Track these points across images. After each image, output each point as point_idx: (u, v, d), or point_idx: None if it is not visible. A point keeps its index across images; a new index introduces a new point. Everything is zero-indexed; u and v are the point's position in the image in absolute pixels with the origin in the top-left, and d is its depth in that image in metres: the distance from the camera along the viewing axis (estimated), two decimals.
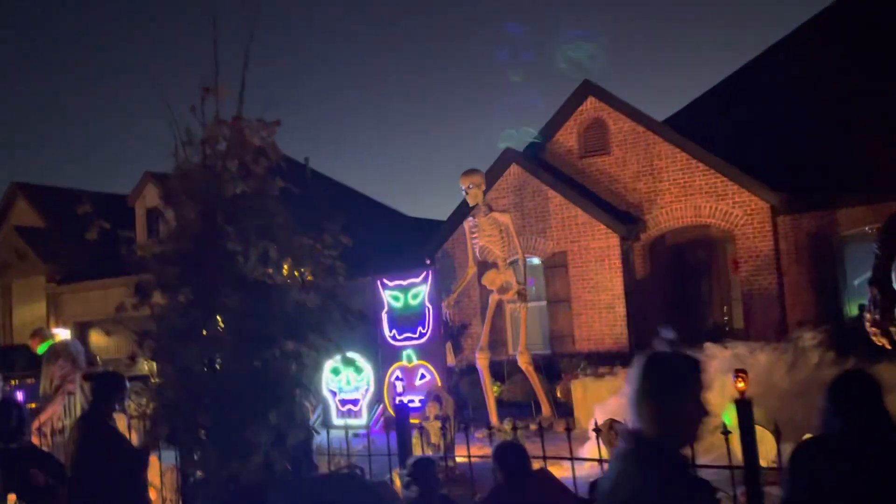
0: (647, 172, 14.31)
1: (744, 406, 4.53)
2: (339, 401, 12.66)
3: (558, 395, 12.84)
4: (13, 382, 15.63)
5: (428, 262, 15.47)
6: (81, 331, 20.51)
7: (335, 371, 12.07)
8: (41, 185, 24.15)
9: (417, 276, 13.01)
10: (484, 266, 12.22)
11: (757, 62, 16.83)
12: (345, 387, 12.47)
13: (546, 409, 11.40)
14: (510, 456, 4.47)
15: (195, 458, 3.44)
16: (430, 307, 12.75)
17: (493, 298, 11.85)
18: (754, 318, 13.23)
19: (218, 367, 3.42)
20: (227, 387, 3.30)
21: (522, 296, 11.10)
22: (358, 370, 12.96)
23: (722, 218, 13.59)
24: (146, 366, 17.77)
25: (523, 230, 14.05)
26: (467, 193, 11.24)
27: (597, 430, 5.53)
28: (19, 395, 10.41)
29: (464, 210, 15.23)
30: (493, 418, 11.42)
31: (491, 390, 11.55)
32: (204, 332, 3.37)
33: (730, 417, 8.62)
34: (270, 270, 3.61)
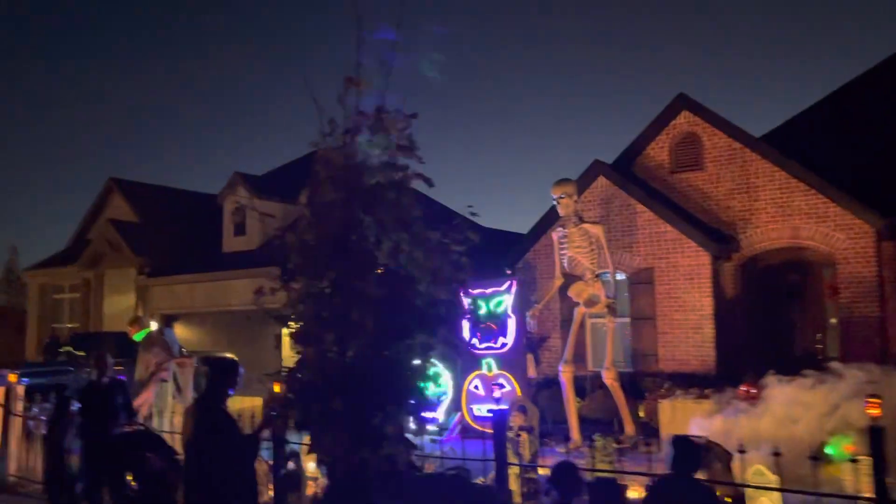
0: (743, 190, 13.86)
1: (876, 434, 4.27)
2: None
3: (641, 414, 12.52)
4: None
5: (509, 272, 15.37)
6: (167, 323, 21.18)
7: None
8: (135, 182, 25.16)
9: (501, 285, 12.93)
10: (569, 278, 12.05)
11: (861, 80, 16.14)
12: None
13: (630, 428, 11.12)
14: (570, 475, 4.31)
15: (325, 443, 3.43)
16: (514, 317, 12.66)
17: (580, 311, 11.66)
18: (852, 347, 12.59)
19: (352, 355, 3.42)
20: (363, 375, 3.29)
21: (612, 310, 10.88)
22: (437, 376, 12.90)
23: (822, 241, 13.03)
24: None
25: (609, 244, 13.78)
26: (559, 203, 11.11)
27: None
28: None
29: (548, 221, 15.08)
30: (575, 433, 11.21)
31: (574, 404, 11.35)
32: (344, 320, 3.37)
33: (835, 447, 8.13)
34: (403, 262, 3.60)
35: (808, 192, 13.15)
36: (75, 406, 6.94)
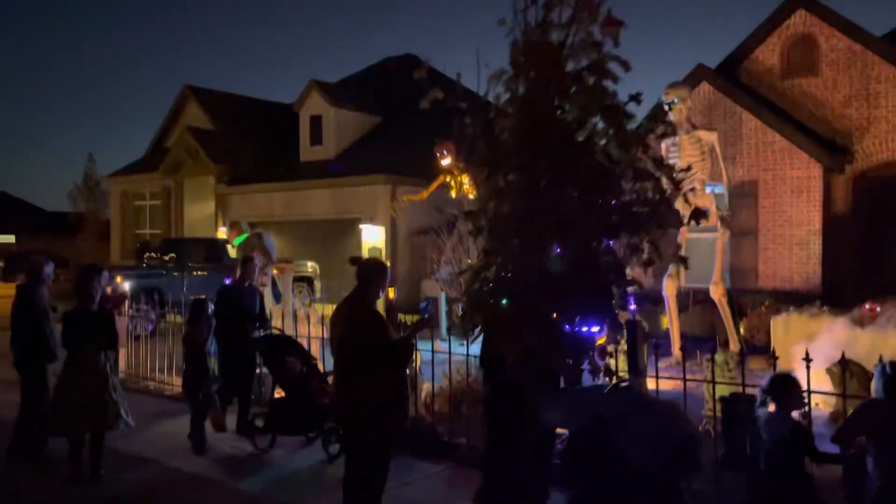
0: (862, 97, 12.84)
1: None
2: None
3: (742, 331, 12.09)
4: (195, 274, 16.49)
5: None
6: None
7: None
8: (211, 90, 25.02)
9: None
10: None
11: None
12: None
13: (734, 345, 10.73)
14: (792, 387, 4.01)
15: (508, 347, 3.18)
16: None
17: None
18: None
19: (553, 253, 3.11)
20: (567, 275, 2.99)
21: (726, 222, 10.32)
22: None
23: None
24: (310, 267, 18.36)
25: None
26: (671, 108, 10.42)
27: (807, 359, 5.11)
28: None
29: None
30: (676, 349, 10.89)
31: (677, 319, 10.98)
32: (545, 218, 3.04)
33: None
34: (605, 153, 3.23)
35: None
36: (211, 309, 6.90)
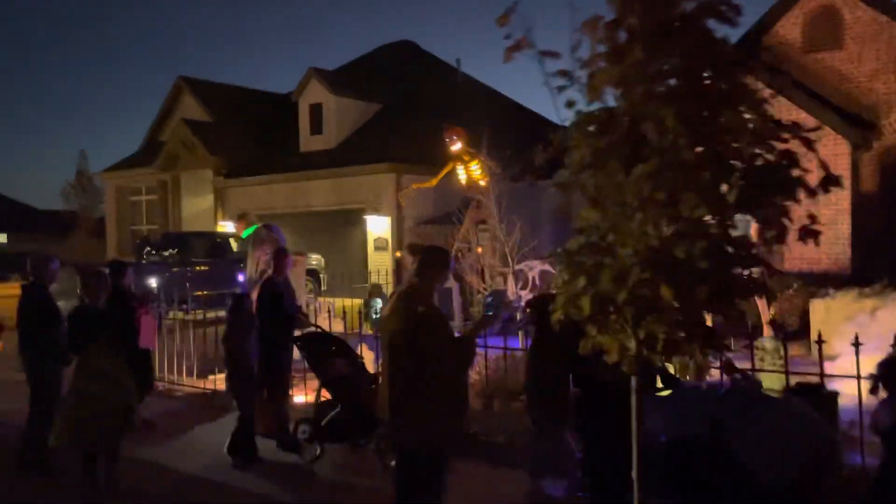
0: (888, 70, 12.39)
1: None
2: None
3: (772, 313, 11.67)
4: (197, 269, 15.97)
5: None
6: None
7: None
8: (206, 81, 24.40)
9: None
10: None
11: None
12: None
13: (767, 330, 10.30)
14: None
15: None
16: None
17: None
18: None
19: (671, 230, 2.63)
20: (679, 258, 2.52)
21: None
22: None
23: None
24: (314, 259, 17.85)
25: None
26: None
27: (856, 343, 5.12)
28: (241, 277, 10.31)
29: None
30: None
31: None
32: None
33: None
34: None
35: None
36: (249, 304, 6.32)
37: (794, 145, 2.85)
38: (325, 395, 6.19)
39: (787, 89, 12.70)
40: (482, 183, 13.47)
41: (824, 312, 9.41)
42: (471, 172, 13.64)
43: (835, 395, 5.51)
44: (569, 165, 2.79)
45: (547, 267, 11.98)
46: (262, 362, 6.32)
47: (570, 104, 2.78)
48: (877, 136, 12.46)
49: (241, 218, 10.71)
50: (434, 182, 14.20)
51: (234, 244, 16.85)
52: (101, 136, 73.65)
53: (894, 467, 3.44)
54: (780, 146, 2.79)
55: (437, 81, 23.62)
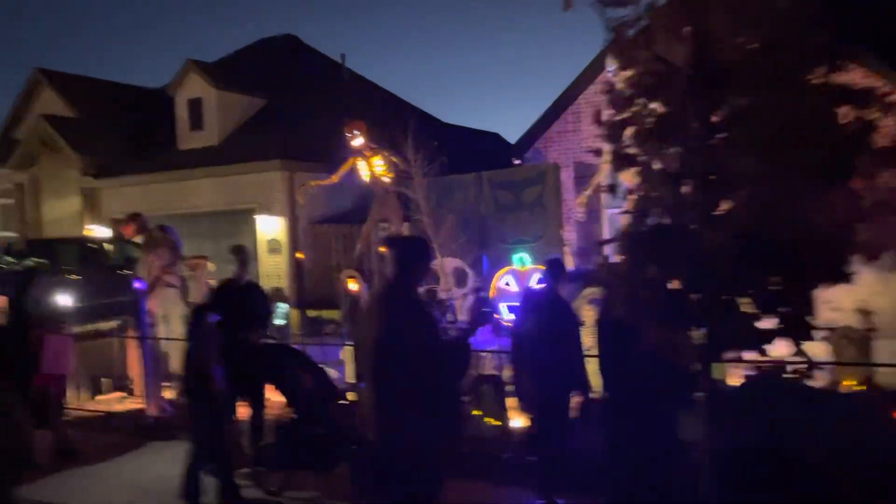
0: None
1: None
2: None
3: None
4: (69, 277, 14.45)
5: (518, 162, 14.29)
6: (117, 228, 19.22)
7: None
8: (67, 73, 22.34)
9: (533, 173, 11.89)
10: None
11: None
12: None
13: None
14: None
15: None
16: (548, 208, 11.68)
17: None
18: None
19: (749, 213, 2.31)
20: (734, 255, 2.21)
21: None
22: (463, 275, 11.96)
23: None
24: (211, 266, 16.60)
25: None
26: None
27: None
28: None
29: (561, 107, 13.95)
30: None
31: None
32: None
33: None
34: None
35: None
36: (213, 318, 5.47)
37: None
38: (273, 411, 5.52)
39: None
40: (386, 179, 13.03)
41: None
42: (373, 168, 13.13)
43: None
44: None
45: (458, 263, 11.70)
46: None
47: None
48: None
49: (131, 219, 9.67)
50: (335, 178, 13.55)
51: (109, 248, 15.39)
52: None
53: None
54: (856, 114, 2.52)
55: (323, 76, 22.85)
